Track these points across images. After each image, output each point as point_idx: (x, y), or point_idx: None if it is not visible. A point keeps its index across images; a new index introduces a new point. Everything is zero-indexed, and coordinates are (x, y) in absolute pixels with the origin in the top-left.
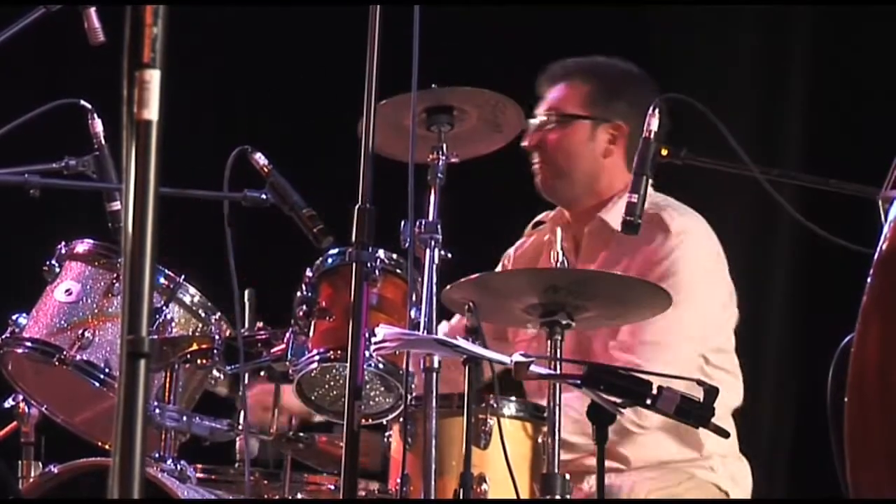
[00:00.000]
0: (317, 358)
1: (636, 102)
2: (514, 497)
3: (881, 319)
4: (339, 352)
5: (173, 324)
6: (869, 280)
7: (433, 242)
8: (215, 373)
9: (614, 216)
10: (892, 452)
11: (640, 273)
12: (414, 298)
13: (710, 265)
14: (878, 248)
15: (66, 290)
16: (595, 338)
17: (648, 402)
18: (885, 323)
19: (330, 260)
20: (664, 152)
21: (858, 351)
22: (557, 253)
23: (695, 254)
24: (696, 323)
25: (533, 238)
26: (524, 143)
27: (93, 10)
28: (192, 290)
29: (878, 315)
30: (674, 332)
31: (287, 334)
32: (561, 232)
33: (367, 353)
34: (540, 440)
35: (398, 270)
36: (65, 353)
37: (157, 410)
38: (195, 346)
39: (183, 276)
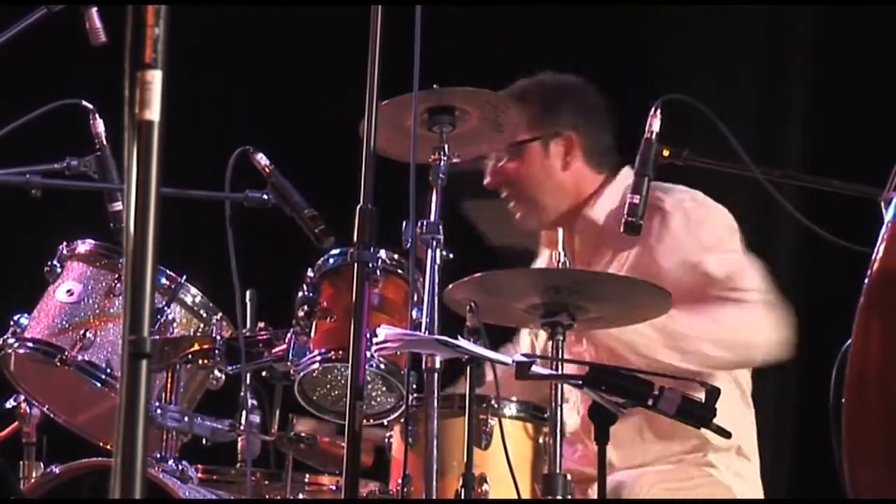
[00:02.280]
0: (318, 358)
1: (579, 109)
2: (516, 497)
3: (879, 319)
4: (340, 352)
5: (175, 324)
6: (867, 280)
7: (435, 243)
8: (217, 373)
9: (597, 211)
10: (889, 451)
11: (667, 259)
12: (415, 299)
13: (726, 220)
14: (876, 249)
15: (68, 291)
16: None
17: (650, 402)
18: (884, 323)
19: (331, 260)
20: (666, 153)
21: (857, 351)
22: (559, 253)
23: (704, 217)
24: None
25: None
26: (486, 183)
27: (94, 10)
28: (193, 290)
29: (877, 315)
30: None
31: (288, 335)
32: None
33: (368, 354)
34: (541, 441)
35: (400, 271)
36: (66, 353)
37: (159, 411)
38: (196, 347)
39: (184, 277)
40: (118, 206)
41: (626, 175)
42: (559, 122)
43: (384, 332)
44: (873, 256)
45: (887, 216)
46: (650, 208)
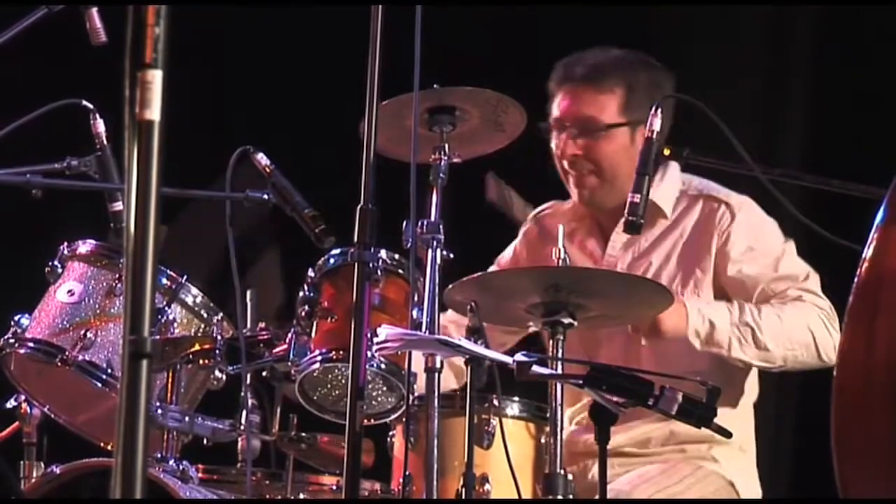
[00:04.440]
0: (319, 358)
1: (659, 95)
2: (517, 497)
3: (867, 320)
4: (341, 352)
5: (175, 324)
6: (856, 281)
7: (435, 243)
8: (217, 373)
9: (662, 198)
10: (874, 449)
11: (726, 244)
12: (416, 299)
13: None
14: (865, 250)
15: (69, 291)
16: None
17: (651, 402)
18: (871, 323)
19: (332, 260)
20: (667, 152)
21: (844, 349)
22: (559, 250)
23: (763, 216)
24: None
25: (538, 229)
26: (565, 154)
27: (94, 10)
28: (194, 290)
29: (865, 315)
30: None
31: (289, 334)
32: (580, 218)
33: (369, 354)
34: (542, 440)
35: (400, 271)
36: (67, 353)
37: (160, 411)
38: (197, 347)
39: (185, 277)
40: (119, 205)
41: (676, 168)
42: (644, 111)
43: (385, 331)
44: (863, 257)
45: (876, 218)
46: (714, 200)
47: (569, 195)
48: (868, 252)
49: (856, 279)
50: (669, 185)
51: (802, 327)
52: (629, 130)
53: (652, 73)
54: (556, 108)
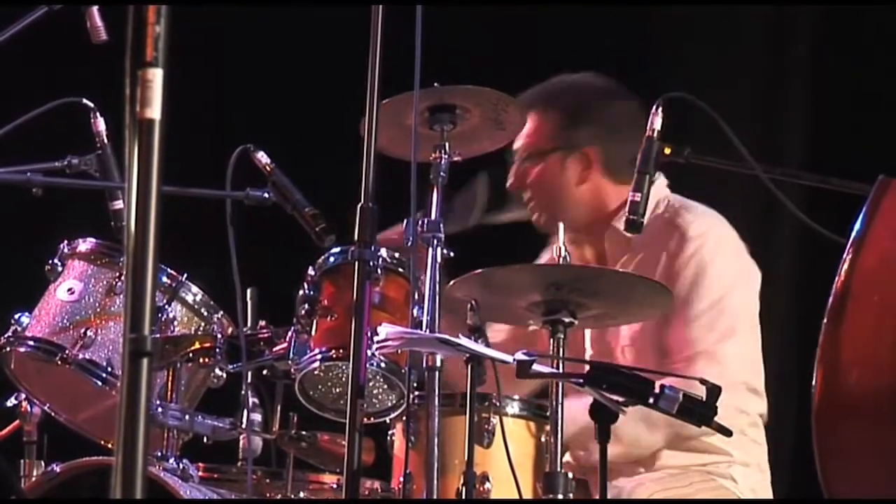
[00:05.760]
0: (319, 357)
1: (606, 122)
2: (517, 496)
3: (834, 327)
4: (341, 350)
5: (175, 322)
6: (834, 287)
7: (435, 241)
8: (218, 371)
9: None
10: (854, 447)
11: (666, 280)
12: (416, 297)
13: (734, 266)
14: (841, 262)
15: (69, 289)
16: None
17: (651, 400)
18: (843, 326)
19: (332, 259)
20: (667, 151)
21: (819, 353)
22: (560, 248)
23: (717, 256)
24: (738, 350)
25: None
26: (508, 185)
27: (95, 8)
28: (194, 288)
29: (833, 322)
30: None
31: (289, 333)
32: (577, 239)
33: (369, 352)
34: (543, 439)
35: (400, 269)
36: (67, 351)
37: (160, 409)
38: (197, 345)
39: (185, 275)
40: (119, 204)
41: (661, 183)
42: (579, 137)
43: (385, 330)
44: (839, 270)
45: (853, 230)
46: (675, 229)
47: None
48: (843, 265)
49: (833, 289)
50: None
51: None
52: (560, 157)
53: (594, 98)
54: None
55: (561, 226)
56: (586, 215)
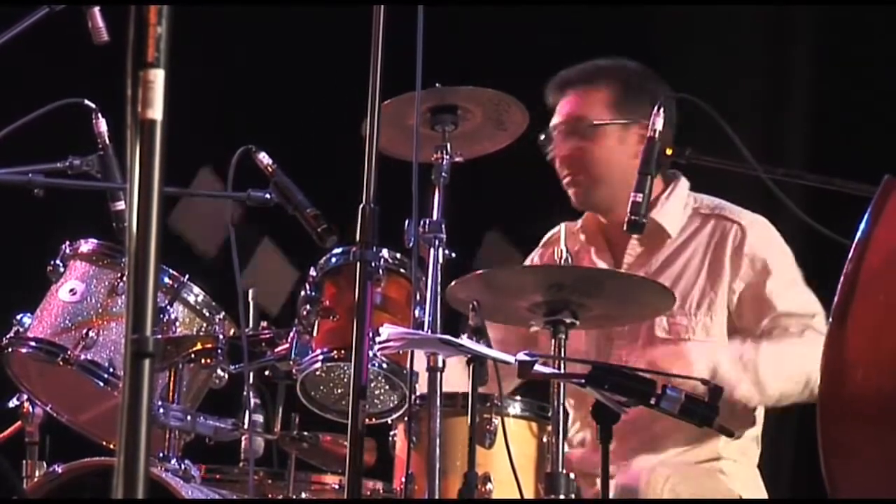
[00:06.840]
0: (320, 357)
1: (659, 97)
2: (519, 497)
3: (850, 321)
4: (342, 351)
5: (177, 323)
6: (839, 286)
7: (437, 242)
8: (219, 372)
9: (665, 217)
10: (857, 446)
11: (734, 263)
12: (418, 298)
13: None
14: (849, 255)
15: (71, 290)
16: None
17: (653, 401)
18: (848, 325)
19: (334, 259)
20: (669, 152)
21: (825, 353)
22: (561, 251)
23: (777, 237)
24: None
25: (550, 252)
26: (557, 155)
27: (97, 9)
28: (196, 289)
29: (838, 322)
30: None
31: (291, 334)
32: (590, 237)
33: (371, 353)
34: (545, 439)
35: (402, 270)
36: (69, 352)
37: (162, 410)
38: (199, 346)
39: (187, 276)
40: (121, 205)
41: (685, 185)
42: (641, 108)
43: (387, 331)
44: (844, 269)
45: (858, 231)
46: (727, 220)
47: (576, 214)
48: (848, 265)
49: (838, 288)
50: (676, 203)
51: (800, 366)
52: (619, 129)
53: (644, 77)
54: (554, 117)
55: (563, 227)
56: (624, 194)
